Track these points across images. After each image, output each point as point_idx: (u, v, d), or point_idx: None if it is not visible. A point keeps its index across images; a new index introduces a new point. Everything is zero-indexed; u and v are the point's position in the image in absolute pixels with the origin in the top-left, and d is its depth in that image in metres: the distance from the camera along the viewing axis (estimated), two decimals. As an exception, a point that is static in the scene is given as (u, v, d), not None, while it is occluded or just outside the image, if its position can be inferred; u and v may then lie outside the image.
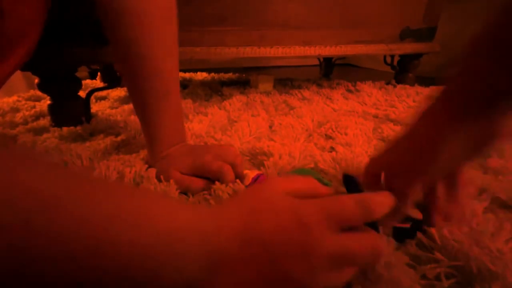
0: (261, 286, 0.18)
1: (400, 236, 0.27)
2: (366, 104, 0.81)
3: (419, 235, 0.27)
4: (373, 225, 0.22)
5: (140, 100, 0.38)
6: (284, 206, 0.20)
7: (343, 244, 0.19)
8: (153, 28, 0.35)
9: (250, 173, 0.36)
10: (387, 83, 1.07)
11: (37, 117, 0.72)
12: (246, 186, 0.35)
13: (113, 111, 0.75)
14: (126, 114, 0.72)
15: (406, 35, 0.95)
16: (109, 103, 0.85)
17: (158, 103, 0.37)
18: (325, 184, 0.36)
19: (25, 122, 0.69)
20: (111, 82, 0.76)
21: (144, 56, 0.35)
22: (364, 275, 0.23)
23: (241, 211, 0.20)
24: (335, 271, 0.19)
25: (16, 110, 0.79)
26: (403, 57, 1.07)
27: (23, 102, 0.86)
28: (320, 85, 1.07)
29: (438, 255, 0.24)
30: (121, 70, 0.38)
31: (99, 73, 1.23)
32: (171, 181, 0.36)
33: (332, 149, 0.49)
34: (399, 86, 1.01)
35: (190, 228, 0.17)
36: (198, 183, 0.36)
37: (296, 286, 0.18)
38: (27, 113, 0.74)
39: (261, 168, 0.42)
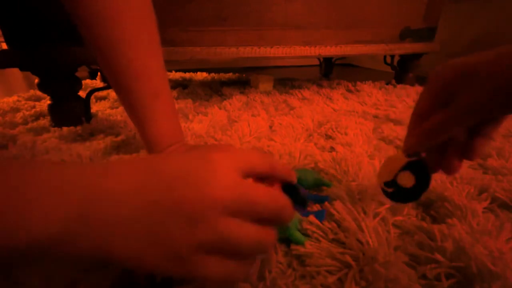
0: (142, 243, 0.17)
1: (403, 197, 0.27)
2: (366, 104, 0.81)
3: (420, 235, 0.27)
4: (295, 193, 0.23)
5: (128, 102, 0.37)
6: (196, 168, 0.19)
7: (230, 230, 0.18)
8: (130, 29, 0.34)
9: None
10: (387, 83, 1.07)
11: (37, 117, 0.72)
12: None
13: (113, 111, 0.75)
14: (126, 114, 0.72)
15: (406, 35, 0.95)
16: (109, 103, 0.85)
17: (147, 104, 0.36)
18: (325, 185, 0.36)
19: (25, 122, 0.69)
20: (111, 82, 0.75)
21: (124, 57, 0.34)
22: (361, 274, 0.23)
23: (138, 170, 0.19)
24: (217, 257, 0.18)
25: (16, 110, 0.79)
26: (403, 57, 1.07)
27: (23, 102, 0.86)
28: (320, 85, 1.07)
29: (438, 255, 0.24)
30: (106, 75, 0.37)
31: (99, 73, 1.23)
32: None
33: (332, 149, 0.49)
34: (399, 86, 1.02)
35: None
36: None
37: (174, 256, 0.17)
38: (27, 113, 0.74)
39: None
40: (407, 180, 0.28)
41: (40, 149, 0.52)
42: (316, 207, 0.33)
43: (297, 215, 0.30)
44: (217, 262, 0.18)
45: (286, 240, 0.28)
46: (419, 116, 0.26)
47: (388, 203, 0.30)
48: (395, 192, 0.28)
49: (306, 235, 0.28)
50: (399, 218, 0.30)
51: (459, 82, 0.22)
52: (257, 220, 0.19)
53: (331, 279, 0.23)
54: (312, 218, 0.29)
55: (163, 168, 0.19)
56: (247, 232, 0.19)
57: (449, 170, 0.26)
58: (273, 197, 0.20)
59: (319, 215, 0.30)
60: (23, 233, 0.15)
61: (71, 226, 0.16)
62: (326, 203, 0.32)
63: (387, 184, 0.29)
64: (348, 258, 0.24)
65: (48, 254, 0.16)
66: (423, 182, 0.27)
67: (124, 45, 0.34)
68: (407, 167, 0.28)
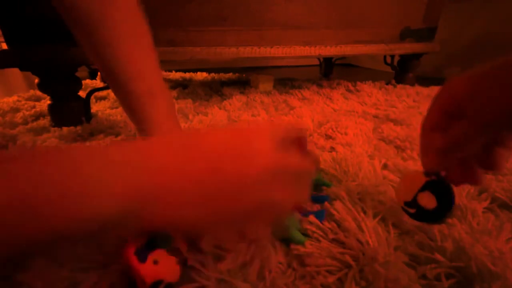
0: (205, 203, 0.19)
1: (427, 218, 0.26)
2: (366, 104, 0.81)
3: (420, 235, 0.27)
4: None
5: (126, 103, 0.37)
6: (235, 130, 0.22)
7: (283, 158, 0.21)
8: (120, 30, 0.35)
9: None
10: (387, 83, 1.07)
11: (37, 117, 0.72)
12: None
13: (113, 111, 0.75)
14: (126, 114, 0.72)
15: (406, 35, 0.95)
16: (109, 103, 0.85)
17: (145, 103, 0.36)
18: (325, 185, 0.36)
19: (25, 122, 0.69)
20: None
21: (118, 58, 0.35)
22: (361, 274, 0.23)
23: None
24: (279, 185, 0.20)
25: (16, 110, 0.79)
26: (403, 57, 1.07)
27: (23, 102, 0.86)
28: (320, 85, 1.07)
29: (438, 255, 0.24)
30: (103, 76, 0.38)
31: (99, 73, 1.23)
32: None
33: (332, 149, 0.49)
34: (399, 86, 1.01)
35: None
36: None
37: (238, 197, 0.19)
38: (27, 113, 0.74)
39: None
40: (428, 200, 0.26)
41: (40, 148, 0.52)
42: (316, 207, 0.33)
43: (297, 215, 0.30)
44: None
45: (286, 240, 0.28)
46: (431, 130, 0.25)
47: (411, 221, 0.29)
48: (418, 213, 0.27)
49: (306, 235, 0.28)
50: (399, 218, 0.30)
51: (471, 96, 0.21)
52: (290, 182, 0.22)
53: (331, 279, 0.23)
54: (312, 218, 0.29)
55: (204, 144, 0.20)
56: (286, 192, 0.21)
57: (475, 181, 0.25)
58: (301, 162, 0.22)
59: (319, 215, 0.30)
60: (87, 210, 0.16)
61: (131, 201, 0.17)
62: (326, 203, 0.32)
63: (407, 204, 0.27)
64: (348, 258, 0.24)
65: (111, 228, 0.17)
66: (445, 203, 0.25)
67: (117, 46, 0.35)
68: (426, 186, 0.26)
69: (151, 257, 0.22)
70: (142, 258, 0.22)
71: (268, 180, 0.20)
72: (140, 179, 0.17)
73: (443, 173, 0.26)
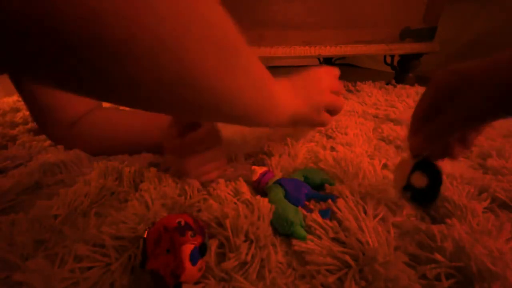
0: (302, 97, 0.38)
1: (424, 197, 0.28)
2: (366, 104, 0.81)
3: (420, 235, 0.27)
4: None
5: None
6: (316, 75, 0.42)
7: (334, 99, 0.42)
8: None
9: (258, 169, 0.36)
10: (387, 83, 1.07)
11: (37, 117, 0.72)
12: (254, 181, 0.36)
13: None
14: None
15: (406, 35, 0.95)
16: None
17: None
18: (329, 183, 0.36)
19: (25, 122, 0.69)
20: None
21: None
22: (361, 274, 0.23)
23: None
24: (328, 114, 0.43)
25: (16, 110, 0.79)
26: (403, 57, 1.07)
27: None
28: (320, 85, 1.07)
29: (438, 255, 0.24)
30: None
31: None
32: (170, 181, 0.36)
33: (333, 149, 0.49)
34: (399, 86, 1.01)
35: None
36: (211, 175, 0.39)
37: (316, 108, 0.40)
38: (27, 113, 0.74)
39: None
40: (420, 180, 0.28)
41: (39, 149, 0.52)
42: (321, 206, 0.33)
43: (302, 212, 0.30)
44: (328, 116, 0.43)
45: (288, 236, 0.28)
46: (420, 118, 0.28)
47: (415, 208, 0.31)
48: (415, 195, 0.29)
49: (308, 232, 0.28)
50: (399, 218, 0.30)
51: (457, 88, 0.24)
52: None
53: (331, 278, 0.23)
54: (315, 214, 0.29)
55: (299, 79, 0.40)
56: (338, 100, 0.43)
57: (453, 156, 0.28)
58: (340, 100, 0.44)
59: (324, 214, 0.30)
60: (273, 118, 0.31)
61: (296, 112, 0.36)
62: (330, 201, 0.32)
63: (405, 189, 0.29)
64: (348, 258, 0.24)
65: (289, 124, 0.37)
66: (435, 178, 0.28)
67: None
68: (416, 167, 0.29)
69: (200, 262, 0.22)
70: (194, 262, 0.21)
71: (331, 93, 0.42)
72: (294, 102, 0.36)
73: (426, 154, 0.29)
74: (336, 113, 0.44)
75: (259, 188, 0.36)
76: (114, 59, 0.14)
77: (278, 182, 0.34)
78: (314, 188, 0.35)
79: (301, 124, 0.41)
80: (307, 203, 0.33)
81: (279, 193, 0.32)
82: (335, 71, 0.44)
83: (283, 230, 0.28)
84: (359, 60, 1.98)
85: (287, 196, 0.32)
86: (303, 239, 0.27)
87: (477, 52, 1.21)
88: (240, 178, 0.36)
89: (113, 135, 0.48)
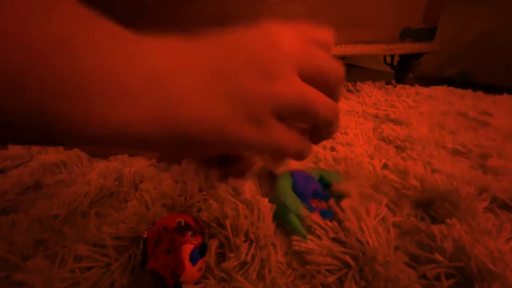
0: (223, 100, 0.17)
1: None
2: (366, 104, 0.81)
3: (420, 235, 0.27)
4: None
5: None
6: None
7: (306, 90, 0.18)
8: None
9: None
10: (387, 83, 1.07)
11: (37, 117, 0.72)
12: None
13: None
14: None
15: (406, 35, 0.95)
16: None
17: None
18: (336, 180, 0.36)
19: (25, 122, 0.69)
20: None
21: None
22: (361, 274, 0.23)
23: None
24: (290, 129, 0.19)
25: (16, 110, 0.79)
26: (403, 57, 1.07)
27: (23, 102, 0.86)
28: (320, 85, 1.07)
29: (438, 255, 0.24)
30: None
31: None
32: (170, 181, 0.36)
33: (333, 148, 0.49)
34: (399, 86, 1.01)
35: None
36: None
37: (253, 117, 0.17)
38: (27, 113, 0.74)
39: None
40: None
41: (39, 148, 0.52)
42: (323, 205, 0.32)
43: (298, 201, 0.30)
44: (291, 133, 0.19)
45: (288, 233, 0.28)
46: None
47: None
48: None
49: (308, 232, 0.28)
50: (399, 218, 0.30)
51: None
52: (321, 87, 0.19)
53: (331, 278, 0.23)
54: (315, 215, 0.29)
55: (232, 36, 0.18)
56: (319, 96, 0.19)
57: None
58: (333, 64, 0.21)
59: (326, 214, 0.30)
60: (116, 118, 0.15)
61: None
62: (331, 201, 0.32)
63: None
64: (348, 258, 0.24)
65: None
66: None
67: None
68: None
69: (200, 262, 0.22)
70: (194, 262, 0.22)
71: (297, 72, 0.18)
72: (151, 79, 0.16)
73: None
74: (325, 124, 0.22)
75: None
76: None
77: (290, 174, 0.34)
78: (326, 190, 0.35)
79: (188, 150, 0.24)
80: (312, 201, 0.33)
81: (287, 182, 0.32)
82: (329, 36, 0.22)
83: (281, 218, 0.29)
84: (359, 60, 1.98)
85: (294, 188, 0.32)
86: (298, 232, 0.27)
87: (477, 52, 1.21)
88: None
89: None
